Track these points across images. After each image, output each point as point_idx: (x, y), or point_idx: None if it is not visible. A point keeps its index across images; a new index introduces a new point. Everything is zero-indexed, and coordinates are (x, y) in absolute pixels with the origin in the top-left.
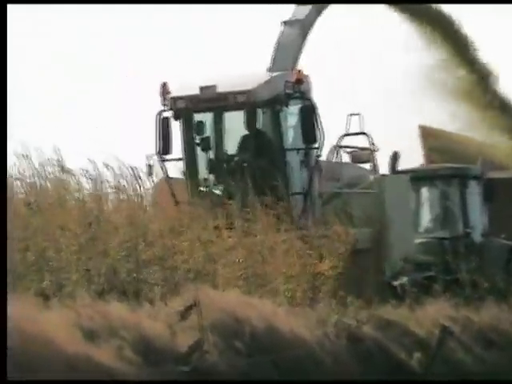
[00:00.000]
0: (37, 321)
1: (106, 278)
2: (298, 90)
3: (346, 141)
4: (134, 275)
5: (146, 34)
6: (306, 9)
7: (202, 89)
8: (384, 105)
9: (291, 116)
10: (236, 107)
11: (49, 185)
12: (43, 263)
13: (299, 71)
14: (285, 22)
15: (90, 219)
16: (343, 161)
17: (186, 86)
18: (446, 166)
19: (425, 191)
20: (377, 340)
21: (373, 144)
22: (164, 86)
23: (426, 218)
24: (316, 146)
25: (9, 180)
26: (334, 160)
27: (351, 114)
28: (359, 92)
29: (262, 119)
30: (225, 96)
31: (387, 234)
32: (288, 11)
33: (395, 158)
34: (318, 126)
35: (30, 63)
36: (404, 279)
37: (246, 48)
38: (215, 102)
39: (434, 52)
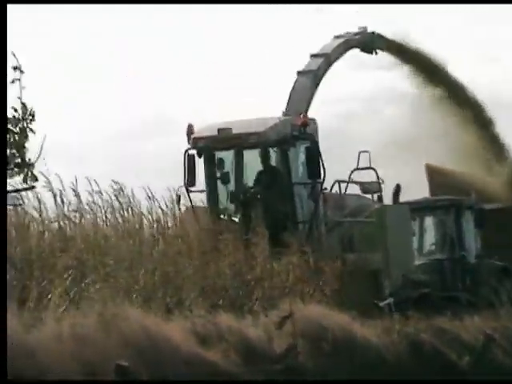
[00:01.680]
0: (162, 328)
1: (218, 294)
2: (303, 132)
3: (356, 175)
4: (240, 292)
5: (146, 33)
6: (319, 61)
7: (219, 130)
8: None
9: (299, 154)
10: (249, 147)
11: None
12: (167, 283)
13: (305, 115)
14: (299, 72)
15: (205, 248)
16: (348, 192)
17: (207, 127)
18: (444, 197)
19: (425, 219)
20: (432, 344)
21: (379, 178)
22: (190, 127)
23: (426, 242)
24: (320, 180)
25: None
26: (339, 191)
27: (361, 152)
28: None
29: (274, 157)
30: (239, 137)
31: (388, 257)
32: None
33: (398, 189)
34: (321, 163)
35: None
36: (390, 300)
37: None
38: (231, 141)
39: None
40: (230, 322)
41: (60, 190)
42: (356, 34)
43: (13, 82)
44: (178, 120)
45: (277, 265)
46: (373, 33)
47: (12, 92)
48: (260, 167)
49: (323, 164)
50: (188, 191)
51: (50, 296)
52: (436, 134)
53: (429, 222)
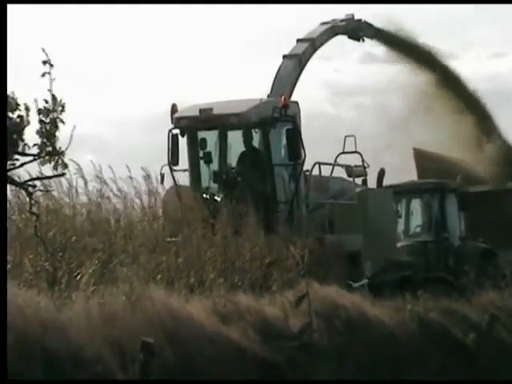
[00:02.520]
0: (185, 307)
1: (237, 275)
2: (284, 113)
3: (342, 158)
4: (259, 273)
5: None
6: (304, 45)
7: (200, 110)
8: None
9: (280, 136)
10: (230, 127)
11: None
12: (190, 265)
13: (285, 97)
14: (284, 56)
15: (226, 232)
16: (332, 175)
17: (191, 107)
18: (428, 181)
19: (410, 202)
20: (440, 323)
21: (364, 161)
22: (173, 106)
23: (411, 224)
24: (299, 162)
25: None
26: (319, 173)
27: (347, 136)
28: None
29: (256, 138)
30: (220, 117)
31: (369, 240)
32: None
33: (382, 173)
34: (301, 145)
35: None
36: (364, 281)
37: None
38: (212, 122)
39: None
40: (248, 301)
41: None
42: (342, 20)
43: (43, 75)
44: None
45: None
46: (359, 20)
47: (43, 85)
48: (242, 148)
49: (303, 146)
50: (172, 170)
51: (79, 277)
52: (428, 118)
53: (413, 204)
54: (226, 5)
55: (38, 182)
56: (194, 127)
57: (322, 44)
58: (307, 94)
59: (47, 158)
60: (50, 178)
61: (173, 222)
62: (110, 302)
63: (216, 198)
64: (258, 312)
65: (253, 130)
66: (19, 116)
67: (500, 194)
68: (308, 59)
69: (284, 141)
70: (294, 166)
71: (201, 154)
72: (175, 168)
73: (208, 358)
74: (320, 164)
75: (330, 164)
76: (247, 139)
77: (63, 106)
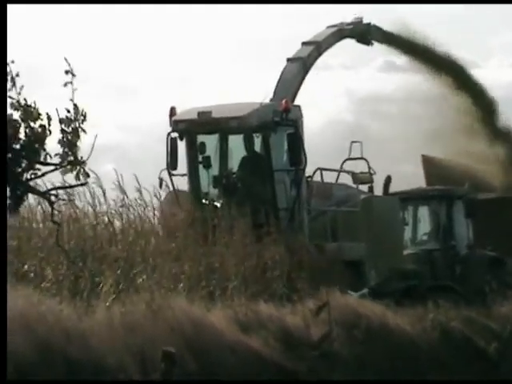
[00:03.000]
0: (206, 316)
1: (259, 284)
2: (285, 117)
3: (348, 165)
4: (283, 284)
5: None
6: (309, 48)
7: (199, 114)
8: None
9: (281, 141)
10: (229, 131)
11: None
12: (210, 274)
13: (287, 101)
14: (288, 59)
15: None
16: (336, 182)
17: (190, 110)
18: (436, 187)
19: (417, 209)
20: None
21: (370, 168)
22: (172, 109)
23: (417, 232)
24: (300, 167)
25: None
26: (321, 180)
27: (353, 142)
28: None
29: (256, 143)
30: (218, 121)
31: (375, 248)
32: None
33: (388, 181)
34: (302, 150)
35: None
36: (365, 290)
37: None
38: (211, 125)
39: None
40: (269, 310)
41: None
42: (349, 24)
43: (65, 85)
44: None
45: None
46: (368, 24)
47: (65, 94)
48: (243, 152)
49: (305, 151)
50: (170, 174)
51: (101, 286)
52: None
53: (420, 212)
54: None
55: (59, 191)
56: (192, 131)
57: (327, 47)
58: (328, 102)
59: (69, 167)
60: (71, 187)
61: (170, 228)
62: (131, 311)
63: (216, 203)
64: (279, 321)
65: (253, 135)
66: (41, 126)
67: (510, 201)
68: (313, 62)
69: (285, 146)
70: (295, 172)
71: (200, 159)
72: (174, 172)
73: (229, 366)
74: (322, 170)
75: (333, 170)
76: (247, 144)
77: (85, 116)
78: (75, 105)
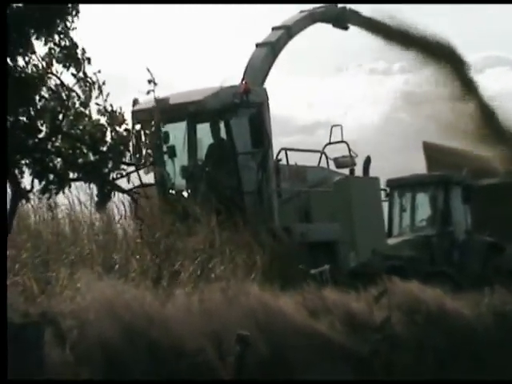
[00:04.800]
0: (277, 302)
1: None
2: (246, 99)
3: (329, 149)
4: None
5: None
6: (278, 32)
7: (156, 101)
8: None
9: (243, 123)
10: (188, 117)
11: None
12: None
13: (246, 83)
14: (257, 44)
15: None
16: (310, 164)
17: (150, 99)
18: (433, 173)
19: (415, 195)
20: None
21: (350, 151)
22: (134, 101)
23: (415, 218)
24: (264, 149)
25: None
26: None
27: (333, 126)
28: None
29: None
30: (176, 107)
31: (354, 229)
32: None
33: (368, 162)
34: (265, 132)
35: None
36: (325, 267)
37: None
38: (169, 112)
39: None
40: (335, 296)
41: None
42: (321, 7)
43: (148, 93)
44: None
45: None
46: (344, 7)
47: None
48: (208, 139)
49: (267, 132)
50: (137, 168)
51: (181, 275)
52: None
53: (418, 198)
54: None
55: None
56: (151, 119)
57: (298, 31)
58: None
59: (151, 167)
60: (153, 185)
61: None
62: (208, 298)
63: (183, 194)
64: (344, 306)
65: (218, 120)
66: (126, 129)
67: (510, 187)
68: (283, 46)
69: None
70: (261, 155)
71: (164, 149)
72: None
73: (298, 348)
74: (287, 150)
75: (298, 150)
76: (211, 129)
77: None
78: None
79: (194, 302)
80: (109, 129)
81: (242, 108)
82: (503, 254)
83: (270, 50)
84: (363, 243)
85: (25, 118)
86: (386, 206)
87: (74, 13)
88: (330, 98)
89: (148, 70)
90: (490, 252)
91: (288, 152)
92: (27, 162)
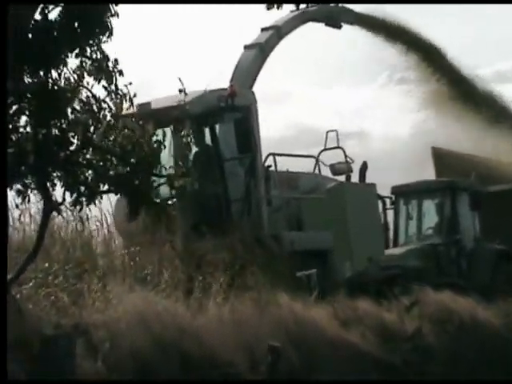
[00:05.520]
0: (308, 313)
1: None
2: (231, 103)
3: (324, 155)
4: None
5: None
6: (268, 33)
7: (138, 106)
8: None
9: (230, 128)
10: (170, 123)
11: None
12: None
13: (232, 86)
14: (245, 46)
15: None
16: (303, 171)
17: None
18: (439, 179)
19: (421, 203)
20: None
21: (346, 157)
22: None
23: (421, 226)
24: (251, 154)
25: None
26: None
27: (328, 131)
28: None
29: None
30: (158, 112)
31: (349, 237)
32: None
33: (364, 167)
34: (253, 137)
35: None
36: (312, 271)
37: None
38: (151, 118)
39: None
40: (367, 307)
41: None
42: (314, 6)
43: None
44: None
45: None
46: (336, 5)
47: None
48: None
49: (255, 137)
50: None
51: (212, 286)
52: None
53: (424, 205)
54: None
55: None
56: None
57: (288, 31)
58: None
59: (181, 178)
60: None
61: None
62: (239, 308)
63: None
64: (376, 317)
65: (202, 125)
66: (156, 141)
67: None
68: (273, 47)
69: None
70: (249, 160)
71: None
72: None
73: (329, 359)
74: (275, 155)
75: (287, 155)
76: (195, 135)
77: None
78: None
79: (225, 312)
80: (139, 141)
81: (227, 112)
82: None
83: (258, 52)
84: (359, 252)
85: (56, 131)
86: (391, 214)
87: (107, 29)
88: (359, 107)
89: (179, 80)
90: (500, 260)
91: (282, 158)
92: (59, 174)
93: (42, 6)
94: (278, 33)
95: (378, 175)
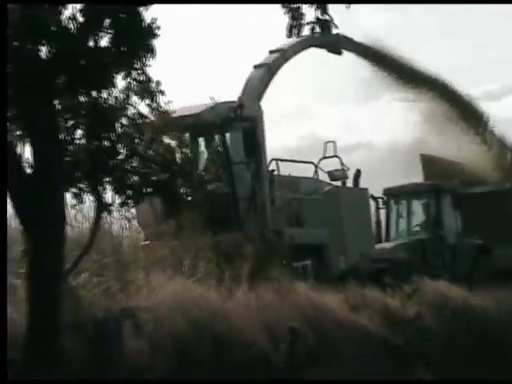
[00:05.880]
0: (323, 299)
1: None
2: (240, 114)
3: (323, 163)
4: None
5: None
6: (274, 55)
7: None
8: None
9: (238, 136)
10: (185, 130)
11: None
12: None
13: (240, 98)
14: (255, 66)
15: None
16: (303, 176)
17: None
18: (425, 182)
19: (410, 203)
20: None
21: (343, 164)
22: None
23: (410, 223)
24: (256, 159)
25: None
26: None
27: (327, 142)
28: None
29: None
30: (174, 120)
31: (343, 235)
32: None
33: (358, 174)
34: (259, 143)
35: None
36: (307, 262)
37: None
38: (170, 125)
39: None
40: (373, 294)
41: None
42: (318, 33)
43: None
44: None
45: None
46: (337, 34)
47: None
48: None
49: (260, 143)
50: None
51: (240, 276)
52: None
53: (412, 205)
54: None
55: None
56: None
57: (293, 55)
58: None
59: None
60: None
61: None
62: (263, 296)
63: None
64: (381, 302)
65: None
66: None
67: (498, 195)
68: (278, 67)
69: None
70: (255, 165)
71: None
72: None
73: (341, 339)
74: (277, 160)
75: (288, 160)
76: (208, 141)
77: None
78: None
79: (251, 298)
80: (178, 151)
81: (236, 121)
82: (491, 256)
83: (266, 71)
84: (352, 248)
85: (107, 142)
86: (383, 213)
87: (150, 53)
88: (367, 121)
89: (211, 99)
90: (479, 254)
91: (288, 165)
92: (109, 179)
93: (93, 34)
94: (283, 55)
95: (381, 180)
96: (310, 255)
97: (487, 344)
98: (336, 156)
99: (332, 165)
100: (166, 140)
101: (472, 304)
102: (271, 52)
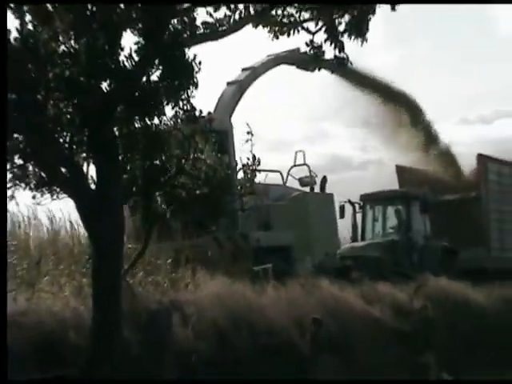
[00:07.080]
0: (342, 294)
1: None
2: (209, 127)
3: (293, 171)
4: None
5: None
6: (246, 73)
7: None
8: None
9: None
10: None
11: None
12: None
13: (210, 113)
14: (227, 83)
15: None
16: (272, 183)
17: None
18: (396, 189)
19: (382, 207)
20: None
21: (311, 172)
22: None
23: (383, 226)
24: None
25: None
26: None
27: (297, 151)
28: None
29: None
30: None
31: (310, 237)
32: None
33: (324, 180)
34: (228, 155)
35: None
36: (268, 265)
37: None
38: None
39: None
40: (385, 289)
41: None
42: (285, 51)
43: (246, 141)
44: None
45: None
46: (305, 52)
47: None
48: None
49: (230, 155)
50: None
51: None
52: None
53: (385, 210)
54: None
55: None
56: None
57: (264, 72)
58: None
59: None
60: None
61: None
62: (291, 290)
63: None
64: (392, 296)
65: None
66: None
67: (464, 203)
68: (249, 85)
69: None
70: None
71: None
72: None
73: (357, 327)
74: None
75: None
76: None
77: (259, 162)
78: (254, 155)
79: (281, 294)
80: (218, 169)
81: (209, 133)
82: (457, 257)
83: (237, 88)
84: (318, 248)
85: (158, 162)
86: (359, 217)
87: (194, 85)
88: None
89: (247, 125)
90: (445, 254)
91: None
92: (160, 193)
93: (146, 70)
94: (254, 73)
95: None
96: (277, 256)
97: (484, 331)
98: (305, 164)
99: (302, 172)
100: (208, 160)
101: (470, 298)
102: (243, 70)
